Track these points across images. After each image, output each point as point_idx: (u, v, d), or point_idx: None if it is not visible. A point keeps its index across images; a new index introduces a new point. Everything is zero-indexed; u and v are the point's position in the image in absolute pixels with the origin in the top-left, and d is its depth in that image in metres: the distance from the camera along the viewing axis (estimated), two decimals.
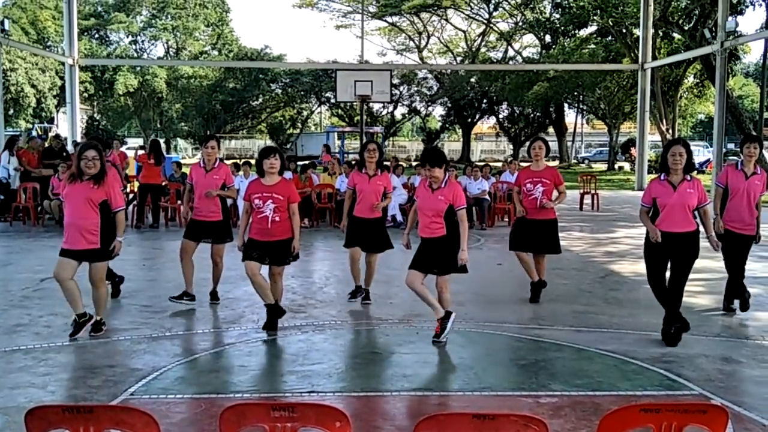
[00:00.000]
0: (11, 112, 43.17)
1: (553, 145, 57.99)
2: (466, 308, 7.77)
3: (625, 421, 2.55)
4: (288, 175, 15.06)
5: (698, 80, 38.43)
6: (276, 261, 6.75)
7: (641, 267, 10.16)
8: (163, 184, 15.62)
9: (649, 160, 29.69)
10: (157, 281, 9.49)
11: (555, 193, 8.11)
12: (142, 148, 25.87)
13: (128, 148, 23.53)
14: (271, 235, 6.60)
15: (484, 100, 52.07)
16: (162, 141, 51.57)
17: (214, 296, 8.02)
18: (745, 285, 7.61)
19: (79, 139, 23.87)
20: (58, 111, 48.36)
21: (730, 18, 21.13)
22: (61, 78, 40.01)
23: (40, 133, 32.03)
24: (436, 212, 6.34)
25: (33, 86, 43.69)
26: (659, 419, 2.53)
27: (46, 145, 16.47)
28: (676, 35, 33.65)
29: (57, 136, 18.62)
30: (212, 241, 7.80)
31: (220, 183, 7.74)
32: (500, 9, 49.05)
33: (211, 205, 7.70)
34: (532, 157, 8.15)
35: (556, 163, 50.08)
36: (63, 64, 27.99)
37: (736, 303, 7.65)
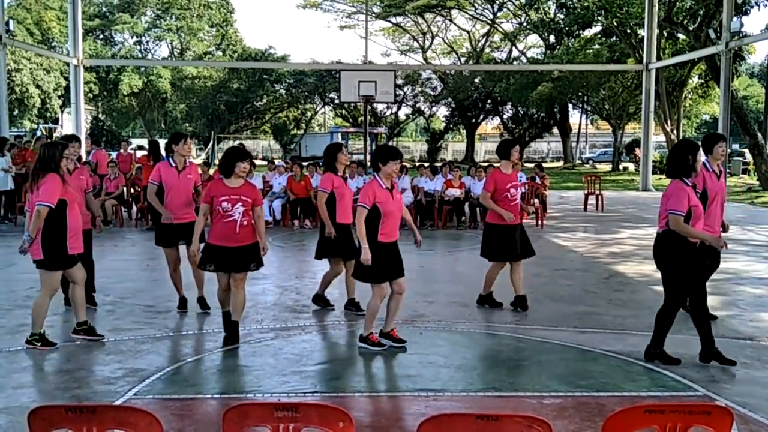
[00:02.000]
0: (16, 112, 43.24)
1: (558, 146, 58.18)
2: (469, 309, 7.76)
3: (629, 422, 2.54)
4: (283, 178, 15.22)
5: (703, 81, 38.35)
6: (240, 267, 6.37)
7: (646, 268, 10.18)
8: None
9: (653, 161, 29.62)
10: (160, 281, 9.47)
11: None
12: (141, 148, 25.86)
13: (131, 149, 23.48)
14: (238, 240, 6.29)
15: (488, 101, 52.06)
16: (166, 141, 51.70)
17: (203, 304, 7.54)
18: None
19: (83, 139, 23.86)
20: (62, 111, 48.42)
21: (734, 18, 21.06)
22: (66, 78, 40.05)
23: (44, 133, 32.05)
24: (401, 211, 6.35)
25: (38, 87, 43.77)
26: (664, 420, 2.52)
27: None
28: (681, 36, 33.60)
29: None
30: (186, 243, 7.20)
31: (193, 183, 7.54)
32: (504, 9, 49.09)
33: (187, 205, 7.42)
34: (512, 160, 7.62)
35: (560, 163, 50.07)
36: (68, 64, 28.05)
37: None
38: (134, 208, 16.08)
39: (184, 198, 7.47)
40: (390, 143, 51.62)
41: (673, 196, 5.57)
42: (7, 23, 19.98)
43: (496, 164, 8.82)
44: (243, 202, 6.27)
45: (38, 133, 31.57)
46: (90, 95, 48.10)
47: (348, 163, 7.61)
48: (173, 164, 7.47)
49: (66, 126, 43.26)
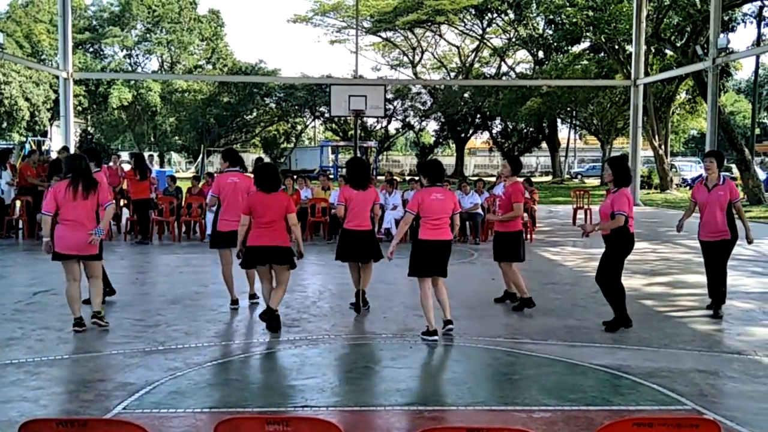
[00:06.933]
0: (5, 125, 43.16)
1: (546, 160, 58.44)
2: (459, 323, 7.76)
3: None
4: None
5: (690, 96, 38.68)
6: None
7: (634, 282, 10.23)
8: (155, 197, 15.66)
9: (641, 176, 29.77)
10: (150, 295, 9.46)
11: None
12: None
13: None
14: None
15: (478, 115, 52.35)
16: (156, 155, 51.66)
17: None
18: (724, 291, 8.32)
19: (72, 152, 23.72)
20: (51, 124, 48.32)
21: (721, 35, 21.27)
22: (55, 91, 40.00)
23: (33, 146, 31.92)
24: None
25: (27, 99, 43.66)
26: None
27: (53, 157, 16.35)
28: (669, 52, 33.91)
29: (65, 149, 18.42)
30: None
31: None
32: (493, 25, 49.41)
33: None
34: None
35: (549, 178, 50.26)
36: (57, 77, 27.99)
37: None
38: (123, 221, 16.03)
39: None
40: (380, 157, 51.74)
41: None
42: None
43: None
44: None
45: (27, 147, 31.39)
46: (79, 108, 48.04)
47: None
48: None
49: (55, 139, 43.12)
